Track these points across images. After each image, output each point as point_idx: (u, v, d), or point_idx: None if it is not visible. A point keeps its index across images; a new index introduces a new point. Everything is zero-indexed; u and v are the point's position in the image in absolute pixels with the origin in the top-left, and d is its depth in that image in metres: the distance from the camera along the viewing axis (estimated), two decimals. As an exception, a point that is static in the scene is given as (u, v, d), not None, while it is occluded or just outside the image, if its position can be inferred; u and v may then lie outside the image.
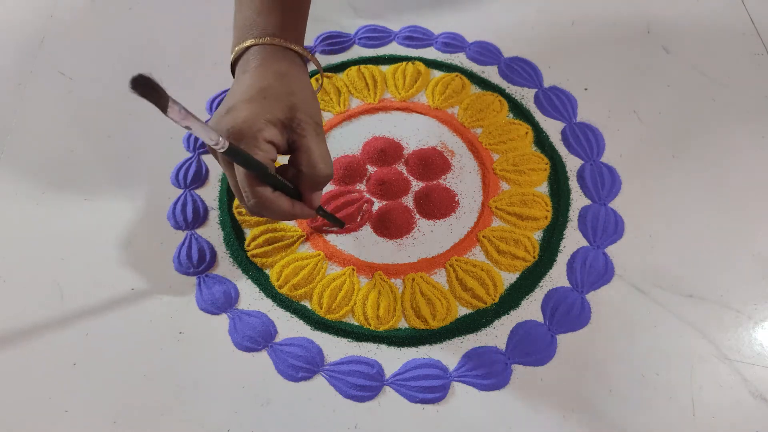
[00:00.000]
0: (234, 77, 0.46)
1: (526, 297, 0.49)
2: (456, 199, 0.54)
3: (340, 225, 0.52)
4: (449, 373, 0.46)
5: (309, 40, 0.65)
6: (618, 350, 0.47)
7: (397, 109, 0.60)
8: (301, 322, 0.49)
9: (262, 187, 0.40)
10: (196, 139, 0.57)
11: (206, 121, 0.40)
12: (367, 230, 0.53)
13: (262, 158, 0.40)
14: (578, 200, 0.54)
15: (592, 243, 0.51)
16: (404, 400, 0.45)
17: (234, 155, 0.38)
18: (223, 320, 0.49)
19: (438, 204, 0.53)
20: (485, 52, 0.63)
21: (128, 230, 0.53)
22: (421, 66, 0.62)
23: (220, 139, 0.36)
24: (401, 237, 0.52)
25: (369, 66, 0.62)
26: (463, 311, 0.49)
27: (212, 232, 0.53)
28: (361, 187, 0.55)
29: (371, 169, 0.56)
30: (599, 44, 0.64)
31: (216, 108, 0.59)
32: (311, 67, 0.62)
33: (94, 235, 0.53)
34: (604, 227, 0.52)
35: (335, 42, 0.64)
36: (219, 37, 0.65)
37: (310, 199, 0.44)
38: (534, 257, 0.51)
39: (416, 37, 0.65)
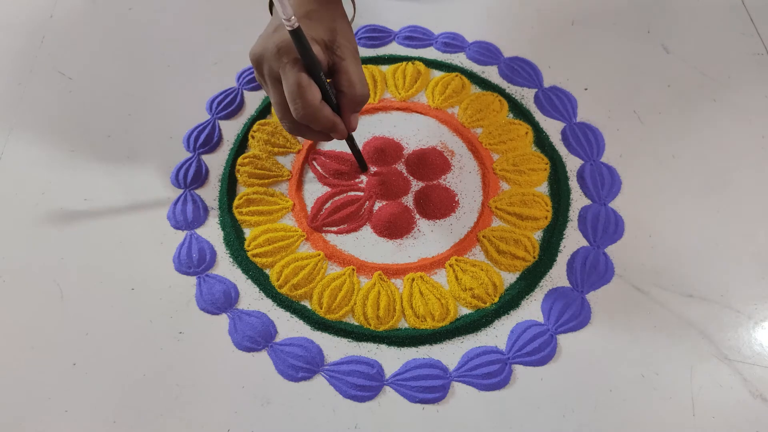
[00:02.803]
0: (272, 13, 0.47)
1: (526, 297, 0.49)
2: (456, 199, 0.54)
3: (363, 167, 0.54)
4: (449, 373, 0.46)
5: (309, 40, 0.65)
6: (618, 350, 0.47)
7: (397, 109, 0.60)
8: (301, 322, 0.49)
9: (312, 95, 0.42)
10: (197, 138, 0.57)
11: (255, 44, 0.44)
12: (367, 230, 0.53)
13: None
14: (578, 200, 0.54)
15: (592, 243, 0.51)
16: (404, 400, 0.45)
17: (299, 39, 0.40)
18: (223, 320, 0.49)
19: (438, 204, 0.53)
20: (485, 52, 0.63)
21: (128, 230, 0.53)
22: (421, 66, 0.62)
23: (293, 17, 0.38)
24: (401, 237, 0.52)
25: (369, 66, 0.62)
26: (463, 311, 0.49)
27: (212, 232, 0.53)
28: (361, 185, 0.55)
29: (371, 169, 0.56)
30: (599, 44, 0.64)
31: (216, 108, 0.59)
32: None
33: (94, 235, 0.53)
34: (604, 227, 0.52)
35: (335, 42, 0.64)
36: (219, 37, 0.65)
37: (348, 120, 0.46)
38: (534, 257, 0.51)
39: (416, 37, 0.65)
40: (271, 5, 0.49)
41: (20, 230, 0.53)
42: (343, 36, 0.44)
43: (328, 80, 0.44)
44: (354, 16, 0.64)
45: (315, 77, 0.42)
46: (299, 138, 0.57)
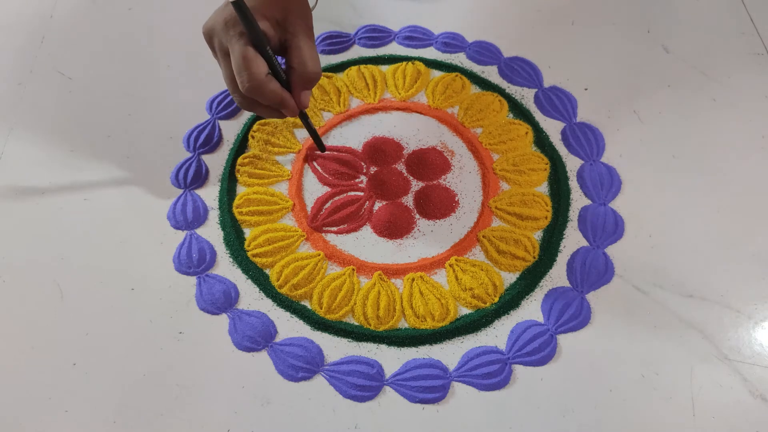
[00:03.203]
0: None
1: (526, 297, 0.49)
2: (456, 199, 0.54)
3: (321, 148, 0.54)
4: (449, 373, 0.46)
5: (309, 40, 0.64)
6: (618, 350, 0.47)
7: (397, 109, 0.59)
8: (301, 322, 0.49)
9: (257, 67, 0.42)
10: (197, 138, 0.57)
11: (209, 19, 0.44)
12: (367, 230, 0.53)
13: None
14: (578, 200, 0.54)
15: (592, 243, 0.51)
16: (404, 400, 0.45)
17: (242, 11, 0.40)
18: (223, 320, 0.49)
19: (438, 204, 0.53)
20: (485, 52, 0.63)
21: (128, 230, 0.53)
22: (421, 66, 0.62)
23: None
24: (401, 237, 0.52)
25: (369, 66, 0.62)
26: (463, 311, 0.49)
27: (212, 232, 0.53)
28: (361, 185, 0.55)
29: (372, 169, 0.56)
30: (599, 44, 0.64)
31: (216, 108, 0.59)
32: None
33: (94, 235, 0.53)
34: (604, 227, 0.52)
35: (335, 42, 0.64)
36: (219, 37, 0.65)
37: (299, 96, 0.46)
38: (534, 257, 0.51)
39: (416, 37, 0.65)
40: None
41: (20, 230, 0.53)
42: (296, 14, 0.45)
43: (280, 57, 0.45)
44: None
45: (261, 51, 0.42)
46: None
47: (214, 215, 0.54)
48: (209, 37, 0.45)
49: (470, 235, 0.52)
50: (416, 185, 0.55)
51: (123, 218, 0.53)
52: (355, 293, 0.49)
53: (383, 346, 0.47)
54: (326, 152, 0.56)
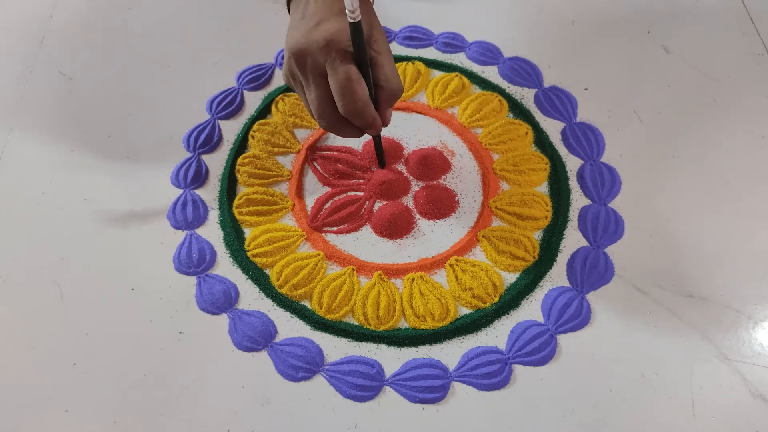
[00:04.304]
0: (290, 11, 0.47)
1: (526, 297, 0.49)
2: (456, 199, 0.54)
3: (382, 163, 0.54)
4: (449, 373, 0.46)
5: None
6: (618, 350, 0.47)
7: (397, 109, 0.59)
8: (301, 322, 0.49)
9: (363, 90, 0.42)
10: (197, 138, 0.57)
11: (291, 38, 0.44)
12: (367, 230, 0.53)
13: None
14: (578, 200, 0.54)
15: (592, 243, 0.51)
16: (404, 400, 0.45)
17: (357, 32, 0.40)
18: (223, 320, 0.49)
19: (438, 204, 0.53)
20: (485, 52, 0.63)
21: (128, 230, 0.53)
22: (421, 66, 0.62)
23: (358, 9, 0.38)
24: (401, 237, 0.52)
25: (369, 66, 0.62)
26: (463, 311, 0.49)
27: (212, 232, 0.53)
28: (361, 185, 0.55)
29: (372, 169, 0.56)
30: (599, 44, 0.64)
31: (216, 108, 0.59)
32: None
33: (94, 235, 0.53)
34: (604, 227, 0.52)
35: (335, 42, 0.64)
36: (219, 37, 0.65)
37: (385, 114, 0.46)
38: (534, 257, 0.51)
39: (416, 37, 0.65)
40: (288, 3, 0.48)
41: (20, 230, 0.53)
42: (379, 30, 0.44)
43: None
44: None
45: (363, 72, 0.42)
46: (299, 135, 0.57)
47: (214, 215, 0.54)
48: (301, 56, 0.42)
49: (470, 235, 0.52)
50: (416, 185, 0.55)
51: (123, 218, 0.53)
52: (355, 293, 0.49)
53: (383, 346, 0.47)
54: (326, 153, 0.57)
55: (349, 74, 0.41)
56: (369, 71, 0.43)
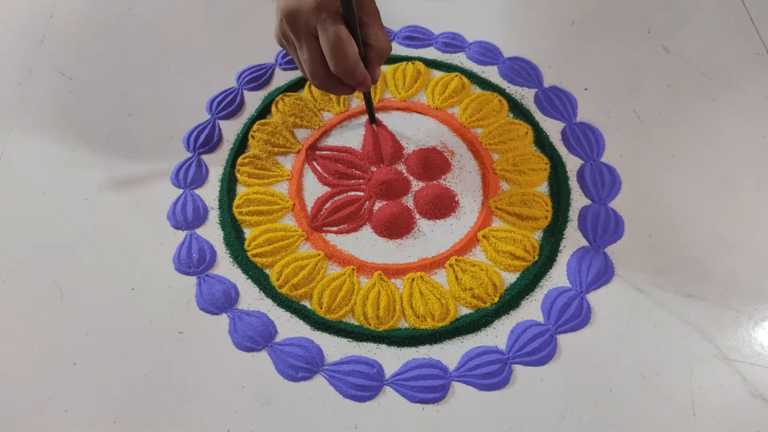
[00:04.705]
0: None
1: (526, 297, 0.49)
2: (456, 199, 0.54)
3: (372, 119, 0.56)
4: (449, 373, 0.46)
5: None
6: (618, 350, 0.47)
7: (397, 109, 0.59)
8: (301, 322, 0.49)
9: (353, 49, 0.44)
10: (197, 138, 0.57)
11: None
12: (367, 230, 0.53)
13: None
14: (578, 200, 0.54)
15: (592, 243, 0.51)
16: (404, 400, 0.45)
17: None
18: (223, 320, 0.49)
19: (438, 204, 0.53)
20: (485, 52, 0.63)
21: (128, 230, 0.53)
22: (421, 66, 0.62)
23: None
24: (401, 237, 0.52)
25: (369, 66, 0.62)
26: (463, 311, 0.49)
27: (212, 232, 0.53)
28: (361, 185, 0.55)
29: (372, 169, 0.56)
30: (599, 44, 0.64)
31: (216, 108, 0.59)
32: None
33: (94, 235, 0.53)
34: (604, 227, 0.52)
35: (335, 42, 0.64)
36: (219, 37, 0.65)
37: (374, 72, 0.48)
38: (534, 257, 0.51)
39: (416, 37, 0.65)
40: None
41: (20, 230, 0.53)
42: None
43: None
44: None
45: (353, 32, 0.43)
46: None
47: (214, 215, 0.54)
48: (293, 17, 0.44)
49: (470, 235, 0.52)
50: (416, 185, 0.55)
51: (123, 218, 0.53)
52: (355, 293, 0.49)
53: (383, 346, 0.47)
54: (326, 153, 0.57)
55: (339, 34, 0.43)
56: (358, 31, 0.44)
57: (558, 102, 0.59)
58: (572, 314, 0.48)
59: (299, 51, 0.46)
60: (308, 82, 0.58)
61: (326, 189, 0.55)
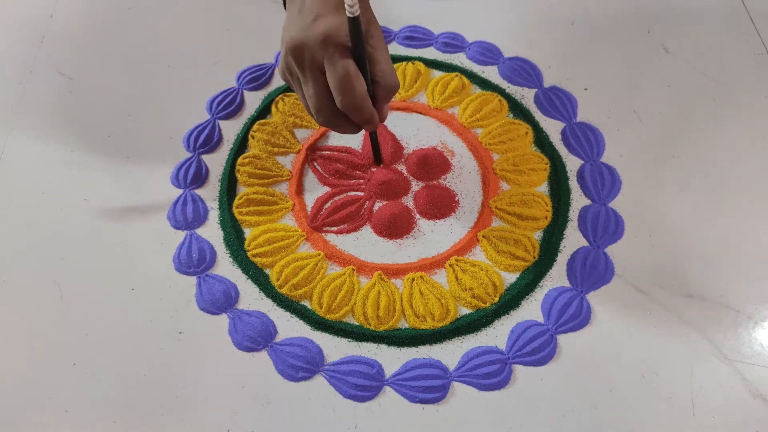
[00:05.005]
0: (286, 6, 0.47)
1: (526, 297, 0.49)
2: (456, 199, 0.54)
3: (378, 160, 0.54)
4: (449, 373, 0.46)
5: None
6: (618, 350, 0.47)
7: (397, 109, 0.59)
8: (301, 322, 0.49)
9: (361, 85, 0.42)
10: (197, 138, 0.57)
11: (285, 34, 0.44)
12: (367, 230, 0.53)
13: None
14: (578, 200, 0.54)
15: (592, 243, 0.51)
16: (404, 400, 0.45)
17: (356, 26, 0.40)
18: (223, 320, 0.49)
19: (438, 204, 0.53)
20: (485, 52, 0.63)
21: (128, 230, 0.53)
22: (421, 66, 0.62)
23: (357, 4, 0.38)
24: (401, 237, 0.52)
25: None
26: (463, 311, 0.49)
27: (212, 232, 0.53)
28: (361, 185, 0.55)
29: (372, 169, 0.56)
30: (599, 44, 0.64)
31: (216, 108, 0.59)
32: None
33: (94, 235, 0.53)
34: (604, 227, 0.52)
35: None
36: (219, 37, 0.65)
37: (382, 110, 0.46)
38: (534, 257, 0.51)
39: (416, 37, 0.65)
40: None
41: (20, 230, 0.53)
42: (375, 26, 0.44)
43: None
44: None
45: (361, 68, 0.42)
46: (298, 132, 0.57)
47: (214, 215, 0.54)
48: (298, 51, 0.42)
49: (470, 235, 0.52)
50: (416, 185, 0.55)
51: (123, 218, 0.53)
52: (355, 293, 0.49)
53: (383, 346, 0.47)
54: (326, 152, 0.57)
55: (347, 69, 0.41)
56: (367, 66, 0.43)
57: (558, 102, 0.59)
58: (572, 314, 0.48)
59: (304, 86, 0.44)
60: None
61: (326, 189, 0.55)
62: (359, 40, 0.41)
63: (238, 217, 0.53)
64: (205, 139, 0.58)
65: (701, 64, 0.62)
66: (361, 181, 0.55)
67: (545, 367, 0.46)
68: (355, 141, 0.57)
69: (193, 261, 0.51)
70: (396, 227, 0.52)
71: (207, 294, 0.49)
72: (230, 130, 0.59)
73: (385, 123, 0.58)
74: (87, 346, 0.48)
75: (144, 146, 0.58)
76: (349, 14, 0.39)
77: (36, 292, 0.50)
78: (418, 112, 0.59)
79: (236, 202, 0.54)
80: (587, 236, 0.52)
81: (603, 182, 0.54)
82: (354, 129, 0.46)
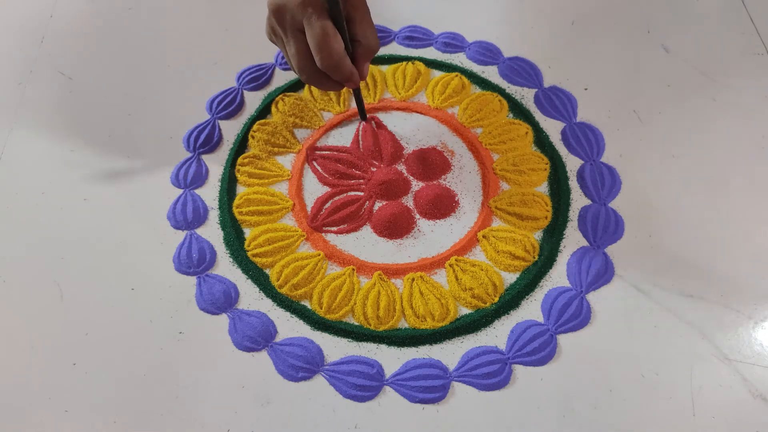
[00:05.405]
0: None
1: (526, 297, 0.49)
2: (456, 199, 0.54)
3: (363, 116, 0.56)
4: (449, 373, 0.46)
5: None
6: (618, 350, 0.47)
7: (397, 109, 0.59)
8: (301, 322, 0.49)
9: (338, 44, 0.44)
10: (197, 138, 0.57)
11: None
12: (367, 230, 0.53)
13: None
14: (578, 200, 0.54)
15: (592, 243, 0.51)
16: (404, 400, 0.45)
17: None
18: (223, 320, 0.49)
19: (438, 204, 0.53)
20: (485, 52, 0.63)
21: (128, 230, 0.53)
22: (421, 66, 0.62)
23: None
24: (401, 237, 0.52)
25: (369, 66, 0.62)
26: (463, 311, 0.49)
27: (212, 232, 0.53)
28: (361, 185, 0.55)
29: (372, 169, 0.56)
30: (599, 44, 0.64)
31: (216, 108, 0.59)
32: None
33: (94, 235, 0.53)
34: (604, 227, 0.52)
35: (335, 42, 0.64)
36: (219, 37, 0.65)
37: (362, 68, 0.48)
38: (534, 257, 0.51)
39: (416, 37, 0.65)
40: None
41: (20, 230, 0.53)
42: None
43: None
44: None
45: (339, 27, 0.43)
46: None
47: (214, 215, 0.54)
48: (279, 12, 0.44)
49: (470, 235, 0.52)
50: (416, 185, 0.55)
51: (123, 218, 0.53)
52: (355, 293, 0.49)
53: (383, 346, 0.47)
54: (326, 153, 0.57)
55: (324, 29, 0.43)
56: (345, 26, 0.44)
57: (558, 102, 0.59)
58: (572, 314, 0.48)
59: (287, 46, 0.46)
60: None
61: (326, 189, 0.55)
62: (335, 0, 0.42)
63: (238, 217, 0.53)
64: (205, 139, 0.58)
65: (701, 64, 0.62)
66: (361, 181, 0.55)
67: (545, 367, 0.46)
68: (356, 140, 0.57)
69: (193, 261, 0.51)
70: (396, 227, 0.52)
71: (207, 294, 0.49)
72: (230, 130, 0.59)
73: (385, 123, 0.58)
74: (87, 346, 0.48)
75: (144, 146, 0.58)
76: None
77: (36, 292, 0.50)
78: (418, 112, 0.59)
79: (236, 202, 0.54)
80: (587, 236, 0.52)
81: (603, 182, 0.54)
82: (336, 87, 0.48)
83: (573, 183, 0.55)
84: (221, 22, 0.66)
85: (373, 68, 0.62)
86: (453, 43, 0.64)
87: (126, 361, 0.47)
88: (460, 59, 0.63)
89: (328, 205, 0.54)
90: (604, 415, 0.44)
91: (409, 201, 0.54)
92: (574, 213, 0.53)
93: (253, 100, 0.61)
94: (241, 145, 0.57)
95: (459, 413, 0.44)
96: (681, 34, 0.64)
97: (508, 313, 0.49)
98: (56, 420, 0.45)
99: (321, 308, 0.49)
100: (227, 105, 0.60)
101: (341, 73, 0.45)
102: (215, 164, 0.57)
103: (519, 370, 0.46)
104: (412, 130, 0.58)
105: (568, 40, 0.64)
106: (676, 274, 0.50)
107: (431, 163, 0.55)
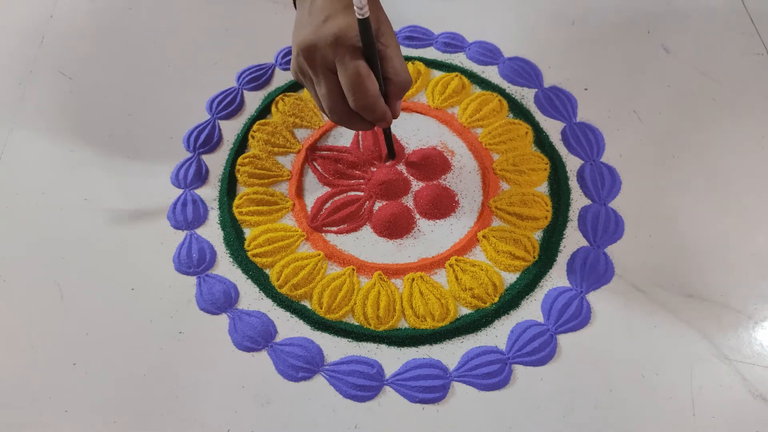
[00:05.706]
0: (296, 6, 0.47)
1: (526, 297, 0.49)
2: (456, 199, 0.54)
3: (392, 155, 0.54)
4: (449, 373, 0.46)
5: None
6: (618, 350, 0.47)
7: (397, 109, 0.59)
8: (301, 322, 0.49)
9: (373, 84, 0.42)
10: (197, 138, 0.57)
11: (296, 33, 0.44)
12: (367, 230, 0.53)
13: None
14: (578, 200, 0.54)
15: (592, 243, 0.51)
16: (404, 400, 0.45)
17: (366, 27, 0.40)
18: (223, 320, 0.49)
19: (438, 204, 0.53)
20: (485, 52, 0.63)
21: (128, 230, 0.53)
22: (421, 66, 0.62)
23: (366, 6, 0.38)
24: (401, 237, 0.52)
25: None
26: (463, 311, 0.49)
27: (212, 232, 0.53)
28: (361, 185, 0.55)
29: (372, 169, 0.56)
30: (599, 44, 0.64)
31: (216, 108, 0.59)
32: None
33: (94, 235, 0.53)
34: (604, 227, 0.52)
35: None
36: (219, 37, 0.65)
37: (395, 107, 0.46)
38: (534, 257, 0.51)
39: (416, 37, 0.65)
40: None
41: (20, 230, 0.53)
42: (386, 24, 0.44)
43: None
44: None
45: (373, 67, 0.42)
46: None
47: (214, 215, 0.54)
48: (310, 52, 0.42)
49: (470, 235, 0.52)
50: (416, 185, 0.55)
51: (123, 218, 0.53)
52: (355, 293, 0.49)
53: (383, 346, 0.47)
54: (326, 153, 0.57)
55: (359, 70, 0.41)
56: (378, 65, 0.43)
57: (558, 102, 0.59)
58: (572, 314, 0.48)
59: (317, 86, 0.44)
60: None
61: (326, 189, 0.55)
62: (370, 40, 0.41)
63: (238, 217, 0.53)
64: (205, 139, 0.58)
65: (701, 64, 0.62)
66: (361, 181, 0.55)
67: (545, 367, 0.46)
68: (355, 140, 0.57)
69: (193, 261, 0.51)
70: (396, 227, 0.52)
71: (207, 294, 0.49)
72: (230, 130, 0.59)
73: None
74: (87, 346, 0.48)
75: (144, 146, 0.58)
76: (358, 16, 0.39)
77: (36, 292, 0.50)
78: (418, 112, 0.59)
79: (236, 202, 0.54)
80: (587, 236, 0.52)
81: (603, 182, 0.54)
82: (368, 126, 0.46)
83: (573, 183, 0.55)
84: (221, 22, 0.66)
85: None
86: (453, 43, 0.64)
87: (126, 361, 0.47)
88: (460, 59, 0.63)
89: (328, 205, 0.54)
90: (604, 415, 0.44)
91: (409, 201, 0.54)
92: (574, 213, 0.53)
93: (253, 100, 0.61)
94: (241, 145, 0.57)
95: (459, 413, 0.44)
96: (681, 34, 0.64)
97: (508, 313, 0.49)
98: (56, 420, 0.45)
99: (321, 308, 0.49)
100: (227, 105, 0.60)
101: (375, 113, 0.44)
102: (215, 164, 0.57)
103: (519, 370, 0.46)
104: (412, 130, 0.58)
105: (568, 40, 0.64)
106: (676, 274, 0.50)
107: (431, 163, 0.55)
